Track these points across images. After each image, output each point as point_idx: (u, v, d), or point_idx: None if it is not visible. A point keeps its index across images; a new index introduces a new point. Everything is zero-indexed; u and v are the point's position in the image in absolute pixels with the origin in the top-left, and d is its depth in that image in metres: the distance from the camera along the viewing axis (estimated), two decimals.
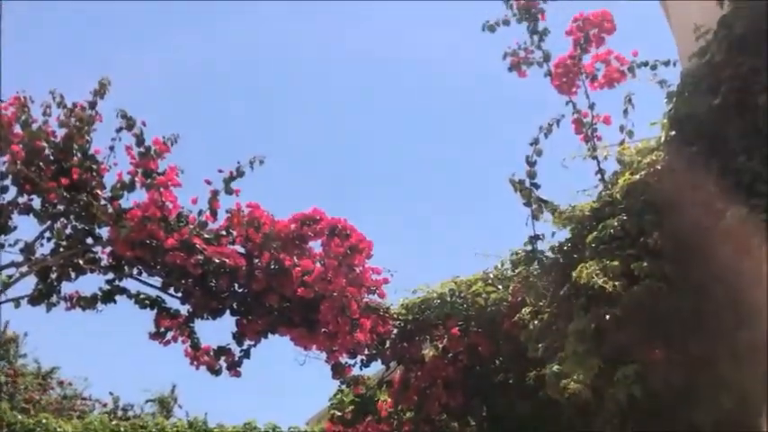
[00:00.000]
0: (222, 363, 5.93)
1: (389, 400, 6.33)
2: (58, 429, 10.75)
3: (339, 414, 6.47)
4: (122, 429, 11.31)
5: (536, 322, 4.83)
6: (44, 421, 10.82)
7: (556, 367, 4.25)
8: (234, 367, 5.92)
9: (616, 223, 4.30)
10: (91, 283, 5.96)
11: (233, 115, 23.10)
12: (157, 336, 5.96)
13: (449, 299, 5.97)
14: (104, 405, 13.72)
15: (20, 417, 10.72)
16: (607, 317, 4.06)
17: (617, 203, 4.48)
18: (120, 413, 13.66)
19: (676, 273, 3.94)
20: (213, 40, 21.37)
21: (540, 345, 4.68)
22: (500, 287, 5.88)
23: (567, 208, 5.03)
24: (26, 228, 5.73)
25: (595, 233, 4.39)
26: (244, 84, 23.18)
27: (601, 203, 4.71)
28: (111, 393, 13.98)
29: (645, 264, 3.98)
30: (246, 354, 5.96)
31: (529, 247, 5.73)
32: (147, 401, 14.05)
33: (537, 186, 5.80)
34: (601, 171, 5.44)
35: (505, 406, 5.52)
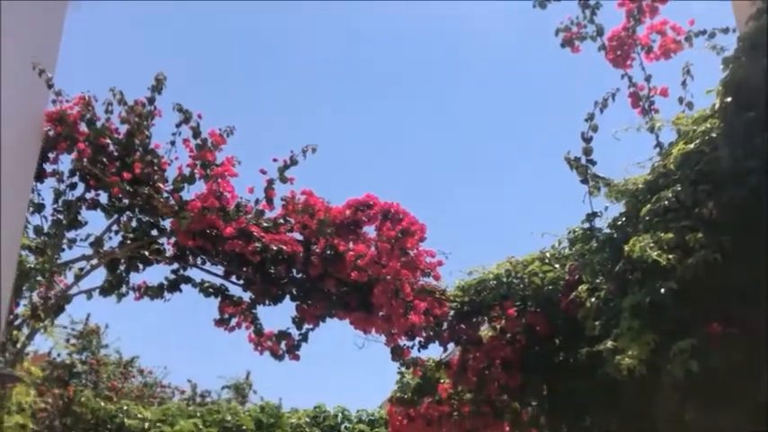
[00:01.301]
0: (283, 347, 6.08)
1: (449, 381, 6.34)
2: (139, 415, 11.30)
3: (400, 395, 6.53)
4: (198, 414, 11.77)
5: (593, 300, 4.74)
6: (126, 408, 11.39)
7: (610, 343, 4.16)
8: (293, 351, 6.04)
9: (670, 194, 4.17)
10: (158, 274, 6.20)
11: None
12: (222, 322, 6.14)
13: (505, 279, 5.93)
14: (183, 392, 14.29)
15: (103, 404, 11.31)
16: (662, 291, 3.96)
17: (671, 174, 4.34)
18: (198, 399, 14.22)
19: (733, 244, 3.79)
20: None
21: (597, 322, 4.60)
22: (557, 266, 5.79)
23: (620, 181, 4.91)
24: (95, 222, 6.01)
25: (649, 205, 4.28)
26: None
27: (655, 175, 4.56)
28: (189, 381, 14.57)
29: (700, 235, 3.85)
30: (305, 337, 6.07)
31: (586, 225, 5.65)
32: (223, 388, 14.56)
33: (593, 163, 5.69)
34: (659, 144, 5.29)
35: (565, 385, 5.44)
